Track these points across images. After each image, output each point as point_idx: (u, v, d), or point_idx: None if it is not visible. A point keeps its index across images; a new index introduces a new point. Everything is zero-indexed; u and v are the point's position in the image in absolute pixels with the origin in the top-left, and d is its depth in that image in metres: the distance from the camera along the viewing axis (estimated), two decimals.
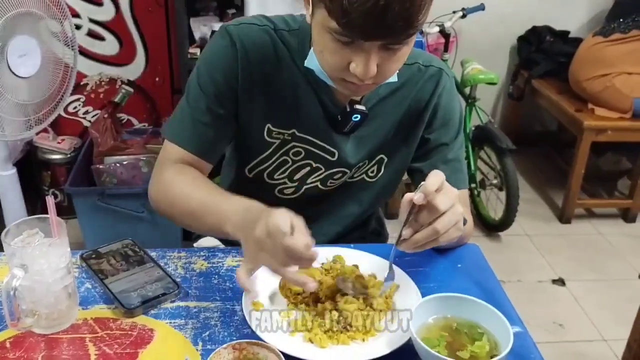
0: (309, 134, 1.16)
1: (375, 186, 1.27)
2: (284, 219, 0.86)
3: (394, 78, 1.04)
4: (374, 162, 1.22)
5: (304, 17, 1.10)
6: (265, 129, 1.16)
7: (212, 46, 1.14)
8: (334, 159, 1.18)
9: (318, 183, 1.22)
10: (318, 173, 1.21)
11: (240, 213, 0.97)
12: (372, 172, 1.24)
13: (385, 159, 1.23)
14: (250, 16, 1.17)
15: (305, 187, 1.23)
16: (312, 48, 1.03)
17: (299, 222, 0.88)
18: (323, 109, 1.14)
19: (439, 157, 1.21)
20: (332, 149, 1.17)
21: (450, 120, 1.21)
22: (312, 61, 1.04)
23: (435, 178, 0.90)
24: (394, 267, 1.01)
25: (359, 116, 1.12)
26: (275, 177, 1.22)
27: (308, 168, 1.20)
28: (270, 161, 1.20)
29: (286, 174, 1.21)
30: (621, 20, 2.94)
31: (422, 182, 0.90)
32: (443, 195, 0.90)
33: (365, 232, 1.40)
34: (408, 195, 0.92)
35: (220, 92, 1.12)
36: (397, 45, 0.92)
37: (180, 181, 1.11)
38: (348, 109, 1.12)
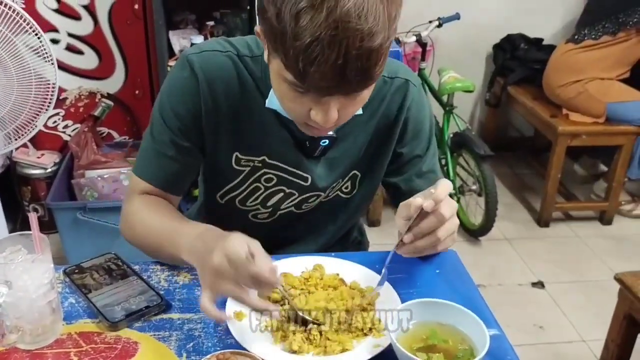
0: (279, 160, 1.15)
1: (351, 202, 1.26)
2: (242, 245, 0.86)
3: (359, 111, 1.04)
4: (347, 178, 1.21)
5: None
6: (234, 158, 1.14)
7: (173, 77, 1.11)
8: (307, 183, 1.17)
9: (292, 208, 1.22)
10: (292, 198, 1.20)
11: (193, 241, 0.97)
12: (347, 188, 1.23)
13: (359, 175, 1.22)
14: (212, 40, 1.14)
15: (279, 212, 1.22)
16: (272, 89, 1.01)
17: (256, 246, 0.88)
18: (291, 136, 1.12)
19: (413, 170, 1.21)
20: (304, 174, 1.16)
21: (420, 131, 1.20)
22: (273, 102, 1.04)
23: (445, 187, 0.93)
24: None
25: (327, 141, 1.11)
26: (248, 203, 1.21)
27: (281, 194, 1.19)
28: (241, 188, 1.18)
29: (259, 200, 1.20)
30: (592, 26, 3.01)
31: (430, 189, 0.93)
32: (447, 204, 0.94)
33: (346, 243, 1.40)
34: (417, 201, 0.94)
35: (184, 126, 1.10)
36: (357, 93, 0.91)
37: (142, 212, 1.11)
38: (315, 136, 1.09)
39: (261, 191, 1.19)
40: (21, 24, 1.97)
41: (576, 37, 3.05)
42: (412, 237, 0.96)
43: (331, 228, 1.30)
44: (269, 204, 1.20)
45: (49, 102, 2.10)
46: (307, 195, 1.20)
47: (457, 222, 0.97)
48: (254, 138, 1.13)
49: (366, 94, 0.94)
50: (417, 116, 1.19)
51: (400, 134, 1.19)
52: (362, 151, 1.19)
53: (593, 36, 2.97)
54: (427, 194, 0.97)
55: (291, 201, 1.21)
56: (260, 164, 1.15)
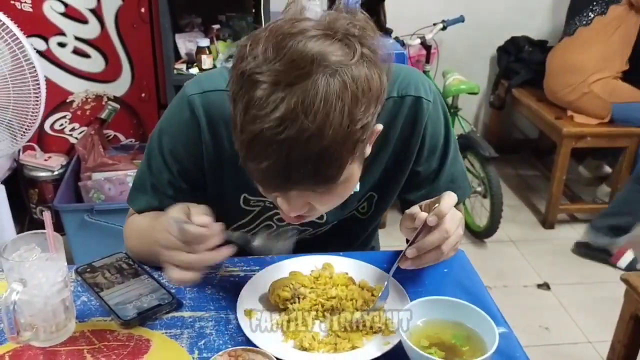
0: None
1: (367, 220, 1.22)
2: (179, 212, 0.88)
3: (355, 187, 0.96)
4: (364, 199, 1.17)
5: None
6: (242, 199, 1.11)
7: (173, 116, 1.07)
8: (322, 221, 1.13)
9: (307, 236, 1.18)
10: (305, 233, 1.16)
11: (158, 230, 0.95)
12: (363, 208, 1.19)
13: (376, 196, 1.17)
14: (215, 72, 1.08)
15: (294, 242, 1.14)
16: None
17: (194, 206, 0.90)
18: None
19: (431, 186, 1.15)
20: None
21: (437, 146, 1.13)
22: None
23: (449, 201, 0.92)
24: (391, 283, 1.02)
25: None
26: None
27: (295, 231, 1.10)
28: (252, 226, 1.15)
29: (272, 235, 1.13)
30: (581, 14, 3.02)
31: (435, 201, 0.92)
32: (451, 218, 0.92)
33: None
34: (421, 216, 0.93)
35: (184, 168, 1.07)
36: (324, 190, 0.83)
37: (134, 222, 1.14)
38: None
39: (273, 228, 1.15)
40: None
41: (569, 29, 3.06)
42: (416, 252, 0.94)
43: (348, 242, 1.26)
44: (283, 238, 1.14)
45: (36, 100, 2.04)
46: (322, 228, 1.17)
47: (462, 232, 0.93)
48: None
49: (342, 187, 0.87)
50: (433, 132, 1.11)
51: (418, 153, 1.12)
52: (380, 173, 1.13)
53: (584, 22, 2.98)
54: (431, 204, 0.96)
55: (305, 234, 1.18)
56: (270, 204, 1.10)
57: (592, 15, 2.96)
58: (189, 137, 1.04)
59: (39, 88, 1.98)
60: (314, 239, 1.21)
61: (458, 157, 1.19)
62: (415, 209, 0.98)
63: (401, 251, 1.00)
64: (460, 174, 1.20)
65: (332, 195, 0.87)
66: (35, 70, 1.95)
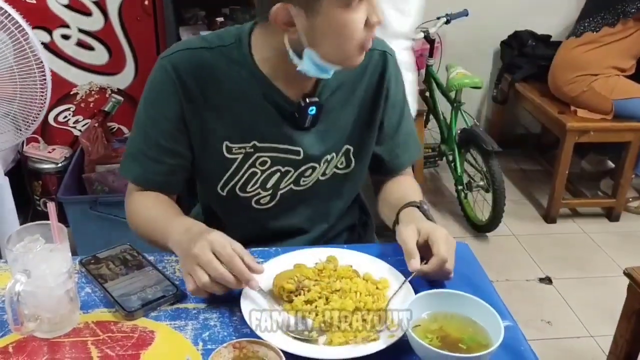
0: (269, 141, 1.17)
1: (349, 177, 1.28)
2: (225, 239, 0.98)
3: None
4: (340, 154, 1.24)
5: (238, 29, 1.14)
6: (224, 147, 1.17)
7: (150, 80, 1.16)
8: (300, 157, 1.20)
9: (292, 185, 1.24)
10: (289, 176, 1.22)
11: (180, 234, 1.05)
12: (342, 164, 1.26)
13: (352, 149, 1.25)
14: (186, 39, 1.20)
15: (280, 192, 1.24)
16: (306, 51, 1.04)
17: (239, 245, 0.99)
18: (278, 111, 1.15)
19: (394, 141, 1.29)
20: (296, 148, 1.19)
21: (397, 100, 1.27)
22: (307, 62, 1.05)
23: (445, 244, 1.02)
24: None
25: (314, 108, 1.15)
26: (248, 189, 1.22)
27: (278, 174, 1.21)
28: (238, 176, 1.21)
29: (258, 184, 1.22)
30: (591, 18, 3.01)
31: (436, 246, 1.01)
32: (451, 261, 1.03)
33: (352, 221, 1.41)
34: (422, 269, 1.02)
35: (167, 129, 1.15)
36: None
37: (138, 206, 1.21)
38: (303, 104, 1.14)
39: (258, 175, 1.21)
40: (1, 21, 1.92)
41: (577, 30, 3.05)
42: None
43: (334, 208, 1.32)
44: (268, 185, 1.22)
45: (42, 91, 2.04)
46: (303, 169, 1.22)
47: (453, 260, 1.04)
48: (241, 124, 1.16)
49: None
50: (395, 87, 1.26)
51: (383, 104, 1.25)
52: (351, 124, 1.23)
53: (593, 28, 2.97)
54: (424, 233, 1.05)
55: (289, 179, 1.23)
56: (252, 149, 1.18)
57: (602, 23, 2.95)
58: (165, 97, 1.13)
59: (44, 80, 1.98)
60: (300, 198, 1.26)
61: (411, 117, 1.35)
62: (410, 248, 1.04)
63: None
64: (414, 133, 1.35)
65: None
66: (42, 62, 1.95)
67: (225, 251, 0.96)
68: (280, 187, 1.23)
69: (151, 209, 1.18)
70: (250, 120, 1.16)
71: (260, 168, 1.20)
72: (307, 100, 1.14)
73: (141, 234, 1.20)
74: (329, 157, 1.23)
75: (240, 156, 1.18)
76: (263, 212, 1.25)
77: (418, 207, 1.16)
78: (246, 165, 1.19)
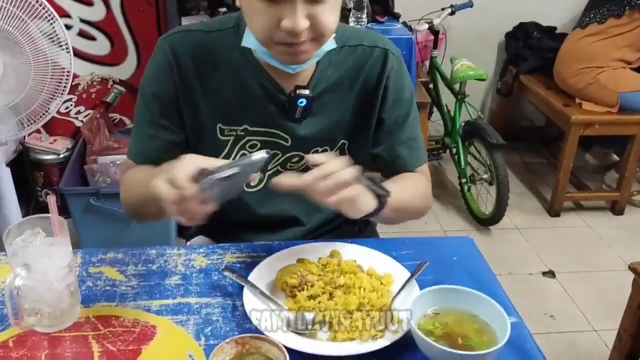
0: (260, 125, 1.18)
1: None
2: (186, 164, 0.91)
3: (332, 44, 1.09)
4: (335, 148, 1.24)
5: (239, 14, 1.13)
6: (217, 129, 1.19)
7: (150, 61, 1.19)
8: (288, 144, 1.20)
9: (279, 167, 1.23)
10: (276, 158, 1.22)
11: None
12: None
13: (347, 143, 1.24)
14: (185, 24, 1.21)
15: (267, 174, 1.23)
16: (246, 27, 1.06)
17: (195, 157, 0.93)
18: (269, 98, 1.16)
19: (395, 139, 1.25)
20: (285, 135, 1.19)
21: (400, 99, 1.24)
22: (249, 39, 1.07)
23: (334, 165, 0.94)
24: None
25: (304, 100, 1.14)
26: None
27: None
28: (230, 159, 1.19)
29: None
30: (597, 9, 2.98)
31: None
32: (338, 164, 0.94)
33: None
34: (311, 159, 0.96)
35: (163, 106, 1.16)
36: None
37: (130, 177, 1.20)
38: (292, 95, 1.14)
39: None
40: (37, 8, 1.95)
41: (582, 22, 3.03)
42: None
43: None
44: None
45: (63, 89, 2.09)
46: (290, 154, 1.22)
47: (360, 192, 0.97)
48: (233, 107, 1.17)
49: (333, 1, 1.00)
50: (397, 84, 1.23)
51: (381, 101, 1.22)
52: (346, 119, 1.22)
53: (598, 19, 2.94)
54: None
55: (276, 161, 1.22)
56: (242, 132, 1.19)
57: (608, 14, 2.92)
58: (162, 76, 1.15)
59: (63, 74, 2.02)
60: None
61: (419, 125, 1.30)
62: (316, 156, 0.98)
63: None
64: (420, 139, 1.30)
65: (329, 10, 0.99)
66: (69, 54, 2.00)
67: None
68: (268, 168, 1.23)
69: (140, 173, 1.17)
70: (242, 105, 1.17)
71: (250, 150, 1.21)
72: (297, 91, 1.14)
73: (132, 203, 1.19)
74: (320, 149, 1.22)
75: (232, 138, 1.19)
76: (253, 195, 1.24)
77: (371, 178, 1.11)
78: (237, 148, 1.20)
